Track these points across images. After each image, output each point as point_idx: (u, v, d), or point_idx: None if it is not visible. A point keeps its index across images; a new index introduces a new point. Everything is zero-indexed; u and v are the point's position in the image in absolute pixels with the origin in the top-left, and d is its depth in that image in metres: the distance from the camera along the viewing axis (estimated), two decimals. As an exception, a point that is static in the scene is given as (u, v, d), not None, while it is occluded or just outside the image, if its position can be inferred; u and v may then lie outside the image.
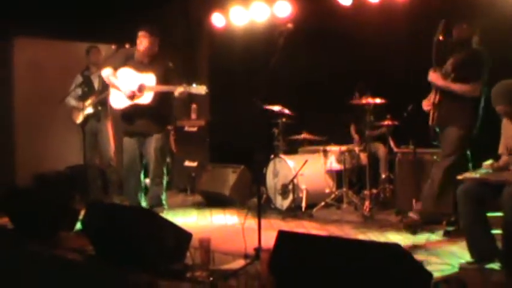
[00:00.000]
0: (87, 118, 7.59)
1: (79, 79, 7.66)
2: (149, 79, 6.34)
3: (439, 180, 5.55)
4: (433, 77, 5.64)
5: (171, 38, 9.14)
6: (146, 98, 6.34)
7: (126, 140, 6.65)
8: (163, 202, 6.64)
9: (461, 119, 5.50)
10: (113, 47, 6.92)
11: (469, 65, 5.47)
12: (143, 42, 6.43)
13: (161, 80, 6.36)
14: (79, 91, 7.58)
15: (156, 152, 6.48)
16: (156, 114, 6.44)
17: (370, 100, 6.89)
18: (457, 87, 5.48)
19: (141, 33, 6.44)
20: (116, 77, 6.47)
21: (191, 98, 9.76)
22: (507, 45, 6.25)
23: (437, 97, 5.61)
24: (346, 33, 7.31)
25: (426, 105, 5.75)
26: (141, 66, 6.46)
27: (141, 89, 6.34)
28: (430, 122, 5.70)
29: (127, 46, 6.58)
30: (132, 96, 6.38)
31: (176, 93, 6.22)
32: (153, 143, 6.48)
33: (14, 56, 8.44)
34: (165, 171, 6.68)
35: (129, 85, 6.39)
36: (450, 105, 5.55)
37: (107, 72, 6.54)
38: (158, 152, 6.48)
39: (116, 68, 6.50)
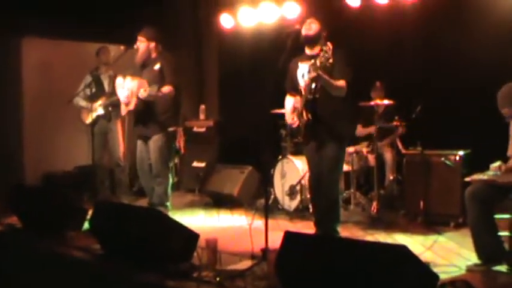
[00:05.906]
0: (97, 118, 7.63)
1: (88, 79, 7.69)
2: (140, 84, 6.39)
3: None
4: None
5: (180, 39, 9.16)
6: (131, 105, 6.49)
7: (137, 143, 6.76)
8: (166, 203, 6.57)
9: (338, 130, 5.32)
10: (122, 47, 6.95)
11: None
12: (140, 46, 6.57)
13: (154, 82, 6.37)
14: (88, 91, 7.61)
15: (154, 153, 6.52)
16: (150, 117, 6.51)
17: (379, 101, 6.91)
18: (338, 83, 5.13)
19: (138, 38, 6.58)
20: (122, 86, 6.60)
21: (200, 98, 9.82)
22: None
23: (308, 113, 5.27)
24: (354, 35, 7.30)
25: (293, 122, 5.50)
26: (136, 71, 6.60)
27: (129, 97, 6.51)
28: (302, 139, 5.57)
29: (135, 47, 6.61)
30: (127, 104, 6.55)
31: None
32: (151, 144, 6.54)
33: (22, 56, 8.47)
34: (168, 171, 6.65)
35: (123, 94, 6.55)
36: (325, 119, 5.28)
37: (118, 82, 6.69)
38: (157, 153, 6.50)
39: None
